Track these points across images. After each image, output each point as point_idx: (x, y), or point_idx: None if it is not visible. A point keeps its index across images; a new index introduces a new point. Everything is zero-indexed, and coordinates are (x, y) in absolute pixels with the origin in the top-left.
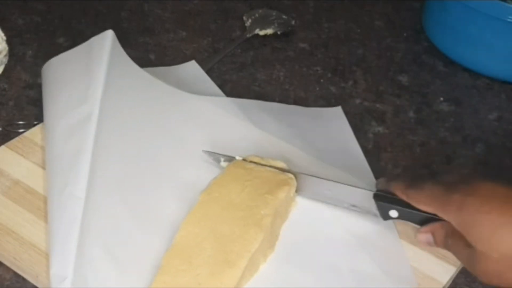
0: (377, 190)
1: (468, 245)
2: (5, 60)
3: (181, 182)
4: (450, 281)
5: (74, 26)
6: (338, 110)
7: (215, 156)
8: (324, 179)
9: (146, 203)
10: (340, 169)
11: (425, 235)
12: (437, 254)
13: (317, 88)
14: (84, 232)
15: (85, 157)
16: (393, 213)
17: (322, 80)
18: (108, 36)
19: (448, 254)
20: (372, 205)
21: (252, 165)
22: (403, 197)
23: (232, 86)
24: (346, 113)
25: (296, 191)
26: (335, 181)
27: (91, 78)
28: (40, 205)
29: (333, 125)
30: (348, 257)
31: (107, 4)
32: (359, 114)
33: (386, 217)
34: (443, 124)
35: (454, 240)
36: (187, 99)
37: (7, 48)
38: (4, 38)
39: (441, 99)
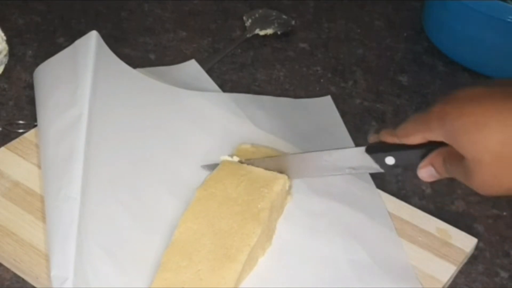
0: (369, 145)
1: (461, 159)
2: (5, 60)
3: (176, 178)
4: (451, 280)
5: (74, 26)
6: (327, 100)
7: (214, 168)
8: (316, 151)
9: (142, 201)
10: None
11: (425, 169)
12: (437, 253)
13: (317, 88)
14: (82, 232)
15: (78, 159)
16: (390, 160)
17: (322, 80)
18: (92, 37)
19: (449, 253)
20: (368, 160)
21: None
22: (394, 139)
23: (232, 86)
24: (346, 112)
25: (292, 176)
26: (327, 149)
27: (78, 80)
28: (40, 207)
29: (323, 115)
30: (344, 248)
31: (107, 4)
32: (359, 114)
33: (384, 167)
34: None
35: (451, 162)
36: (179, 94)
37: (7, 48)
38: (4, 38)
39: None
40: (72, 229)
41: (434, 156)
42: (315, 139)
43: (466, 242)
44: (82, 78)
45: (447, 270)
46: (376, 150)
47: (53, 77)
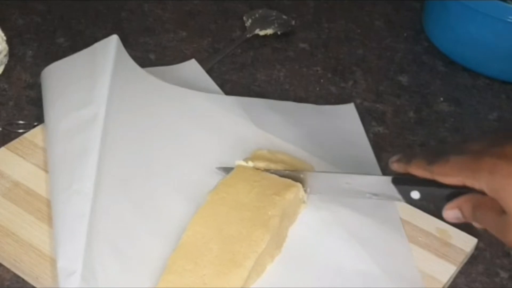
0: (395, 174)
1: (499, 213)
2: (5, 60)
3: (188, 182)
4: (451, 280)
5: (74, 26)
6: (350, 107)
7: (229, 171)
8: (341, 172)
9: (153, 202)
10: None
11: (452, 211)
12: (437, 253)
13: (317, 88)
14: (93, 227)
15: (92, 156)
16: (415, 194)
17: (322, 80)
18: (113, 41)
19: (449, 253)
20: (393, 190)
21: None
22: (426, 174)
23: (232, 86)
24: None
25: (310, 191)
26: (352, 173)
27: (95, 80)
28: (40, 207)
29: (344, 123)
30: (355, 259)
31: (107, 4)
32: (360, 114)
33: (408, 199)
34: (443, 124)
35: (482, 212)
36: (195, 99)
37: (7, 48)
38: (4, 38)
39: (441, 99)
40: (83, 223)
41: (463, 200)
42: (334, 148)
43: (466, 242)
44: (100, 78)
45: (447, 270)
46: (403, 182)
47: (67, 76)
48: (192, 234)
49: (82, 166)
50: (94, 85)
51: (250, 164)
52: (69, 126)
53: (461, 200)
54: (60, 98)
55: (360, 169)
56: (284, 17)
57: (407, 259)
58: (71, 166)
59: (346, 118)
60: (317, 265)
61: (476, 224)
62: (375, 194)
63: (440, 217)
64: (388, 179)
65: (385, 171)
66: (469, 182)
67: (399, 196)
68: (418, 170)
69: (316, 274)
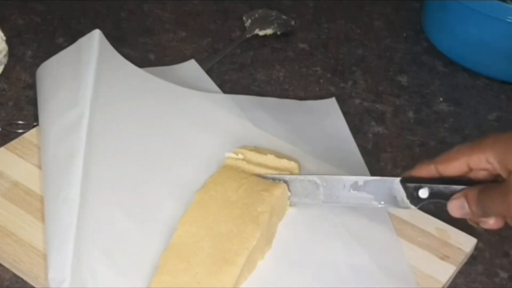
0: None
1: (503, 194)
2: (4, 60)
3: (177, 181)
4: (450, 281)
5: (74, 26)
6: (331, 102)
7: None
8: (348, 176)
9: (142, 203)
10: (335, 166)
11: (457, 201)
12: (437, 253)
13: (317, 88)
14: (81, 234)
15: (77, 160)
16: (423, 193)
17: (321, 80)
18: (95, 36)
19: (449, 253)
20: (399, 192)
21: (245, 167)
22: (430, 168)
23: (232, 86)
24: (346, 113)
25: (296, 202)
26: (362, 176)
27: (80, 80)
28: (40, 207)
29: (327, 118)
30: (345, 253)
31: (107, 4)
32: (359, 114)
33: (416, 201)
34: (443, 125)
35: (487, 192)
36: (183, 95)
37: (7, 48)
38: (4, 38)
39: (441, 99)
40: (71, 231)
41: (468, 189)
42: (319, 142)
43: (465, 242)
44: (84, 78)
45: (447, 270)
46: (411, 181)
47: (55, 75)
48: (182, 234)
49: (69, 172)
50: (79, 84)
51: (240, 156)
52: (58, 130)
53: (466, 190)
54: (48, 99)
55: (344, 162)
56: (284, 17)
57: (397, 254)
58: (59, 173)
59: (328, 112)
60: (307, 259)
61: (478, 223)
62: (382, 201)
63: (440, 217)
64: (396, 180)
65: (383, 170)
66: (473, 159)
67: (406, 200)
68: (422, 167)
69: (307, 268)
